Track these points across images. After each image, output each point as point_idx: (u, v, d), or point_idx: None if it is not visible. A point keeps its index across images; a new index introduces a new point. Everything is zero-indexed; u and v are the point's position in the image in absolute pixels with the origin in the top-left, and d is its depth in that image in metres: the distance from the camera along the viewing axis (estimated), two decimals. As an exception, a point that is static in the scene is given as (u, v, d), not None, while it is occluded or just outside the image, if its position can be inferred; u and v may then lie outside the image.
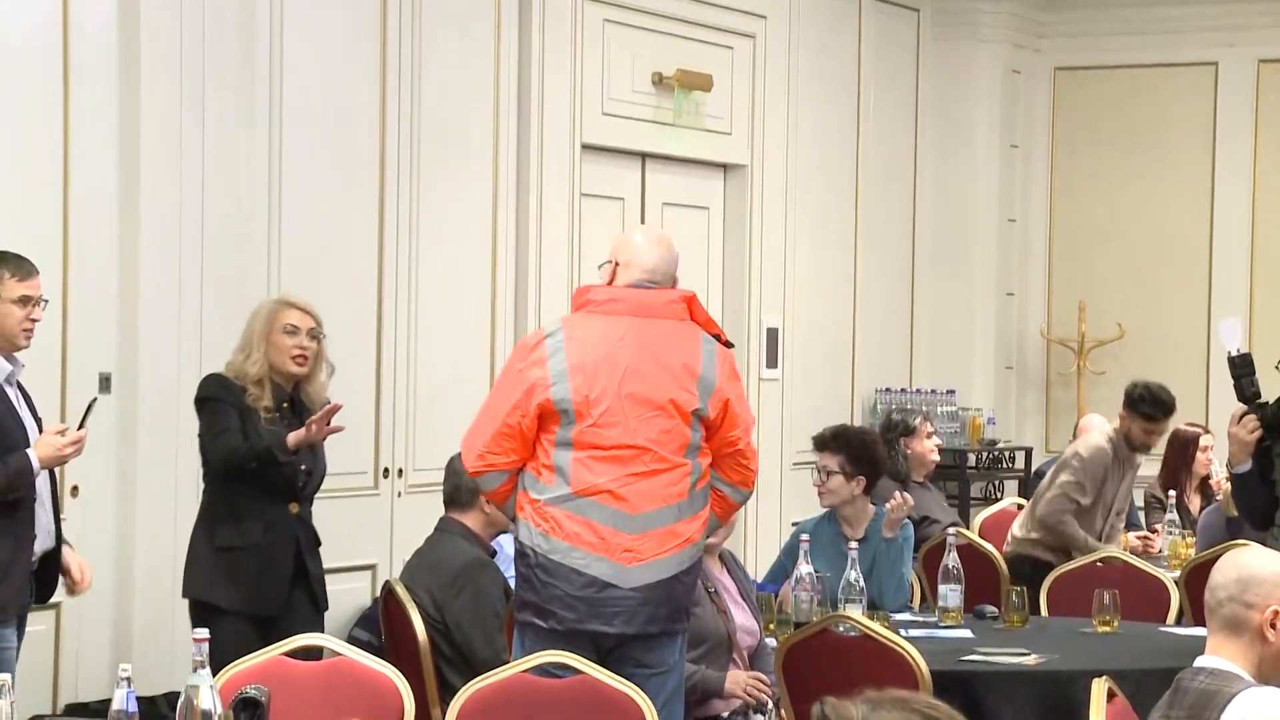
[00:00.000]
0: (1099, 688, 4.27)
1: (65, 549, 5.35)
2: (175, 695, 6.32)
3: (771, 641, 5.58)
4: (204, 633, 3.55)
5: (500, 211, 8.26)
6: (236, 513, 5.81)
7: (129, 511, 6.75)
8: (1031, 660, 5.36)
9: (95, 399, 5.46)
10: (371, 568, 7.53)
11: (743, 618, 5.57)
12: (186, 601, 5.94)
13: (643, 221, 9.26)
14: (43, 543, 5.25)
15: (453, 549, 5.83)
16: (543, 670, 4.43)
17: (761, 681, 5.35)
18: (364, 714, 4.01)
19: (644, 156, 9.25)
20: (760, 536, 9.51)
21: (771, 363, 9.79)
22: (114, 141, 6.71)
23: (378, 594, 5.70)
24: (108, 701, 4.24)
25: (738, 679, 5.35)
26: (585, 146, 8.71)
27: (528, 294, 8.30)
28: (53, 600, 5.60)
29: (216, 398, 5.85)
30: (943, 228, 11.21)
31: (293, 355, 5.88)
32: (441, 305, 7.91)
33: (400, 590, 5.62)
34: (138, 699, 3.63)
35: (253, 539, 5.79)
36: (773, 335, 9.88)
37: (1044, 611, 6.66)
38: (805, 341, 10.09)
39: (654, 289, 4.94)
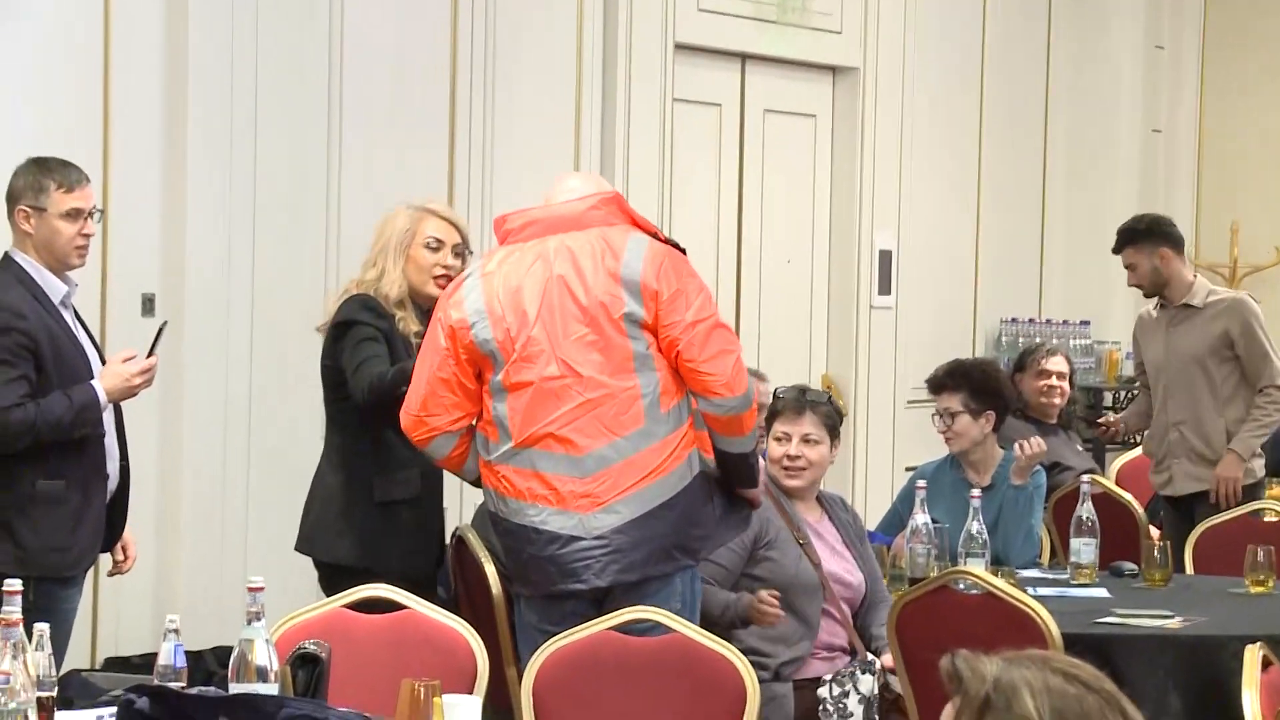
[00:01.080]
0: (1253, 655, 4.23)
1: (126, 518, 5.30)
2: (224, 650, 6.41)
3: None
4: (259, 580, 3.56)
5: (584, 120, 8.24)
6: (392, 461, 5.38)
7: (174, 447, 6.81)
8: (1175, 623, 5.32)
9: (165, 323, 5.30)
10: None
11: (840, 566, 5.55)
12: (226, 545, 5.94)
13: (741, 129, 9.23)
14: (112, 483, 5.20)
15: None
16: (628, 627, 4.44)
17: (770, 602, 5.26)
18: (433, 672, 4.03)
19: (744, 58, 9.20)
20: (870, 482, 9.49)
21: (884, 289, 9.73)
22: (160, 47, 6.74)
23: (449, 542, 5.71)
24: (150, 656, 4.30)
25: (743, 600, 5.28)
26: (679, 46, 8.67)
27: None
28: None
29: (360, 321, 5.37)
30: (1078, 139, 11.09)
31: (435, 275, 5.41)
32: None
33: (471, 537, 5.64)
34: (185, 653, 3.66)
35: (412, 491, 5.41)
36: (885, 258, 9.83)
37: (1189, 569, 6.62)
38: (922, 266, 10.03)
39: (570, 201, 4.89)
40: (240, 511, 6.98)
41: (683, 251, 4.89)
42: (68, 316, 5.13)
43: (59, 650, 4.96)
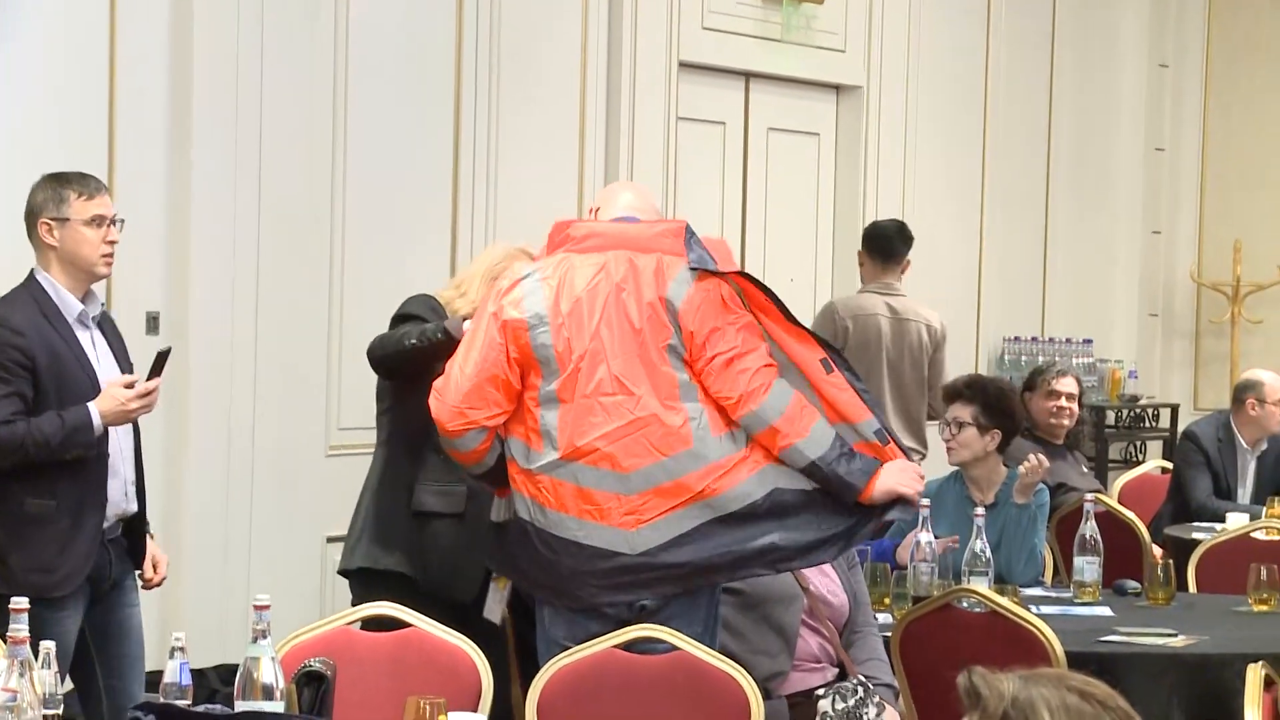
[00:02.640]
0: (1255, 674, 4.24)
1: (147, 539, 5.26)
2: (227, 668, 6.42)
3: (886, 617, 5.57)
4: (265, 598, 3.57)
5: (588, 137, 8.27)
6: (435, 469, 5.37)
7: (178, 464, 6.82)
8: (1179, 642, 5.33)
9: (169, 348, 5.20)
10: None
11: (824, 586, 5.52)
12: (230, 561, 5.92)
13: (745, 148, 9.25)
14: (118, 506, 5.13)
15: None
16: (632, 645, 4.45)
17: None
18: (437, 690, 4.04)
19: (748, 76, 9.22)
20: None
21: (887, 307, 9.75)
22: (165, 59, 6.77)
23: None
24: (155, 674, 4.31)
25: None
26: (683, 64, 8.69)
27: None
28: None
29: (420, 316, 5.40)
30: (1081, 158, 11.12)
31: None
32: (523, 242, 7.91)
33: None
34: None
35: (455, 506, 5.37)
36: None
37: (1192, 587, 6.63)
38: (926, 283, 10.03)
39: (638, 223, 4.91)
40: (244, 529, 6.99)
41: (763, 289, 4.85)
42: (84, 336, 5.09)
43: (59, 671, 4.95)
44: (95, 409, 4.96)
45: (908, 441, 7.78)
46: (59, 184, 5.09)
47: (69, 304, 5.07)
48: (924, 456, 8.00)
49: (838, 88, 9.68)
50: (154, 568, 5.30)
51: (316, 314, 7.20)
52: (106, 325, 5.21)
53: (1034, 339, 10.74)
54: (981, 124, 10.48)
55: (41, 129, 6.47)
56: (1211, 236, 11.56)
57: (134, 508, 5.18)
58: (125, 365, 5.20)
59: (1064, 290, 11.11)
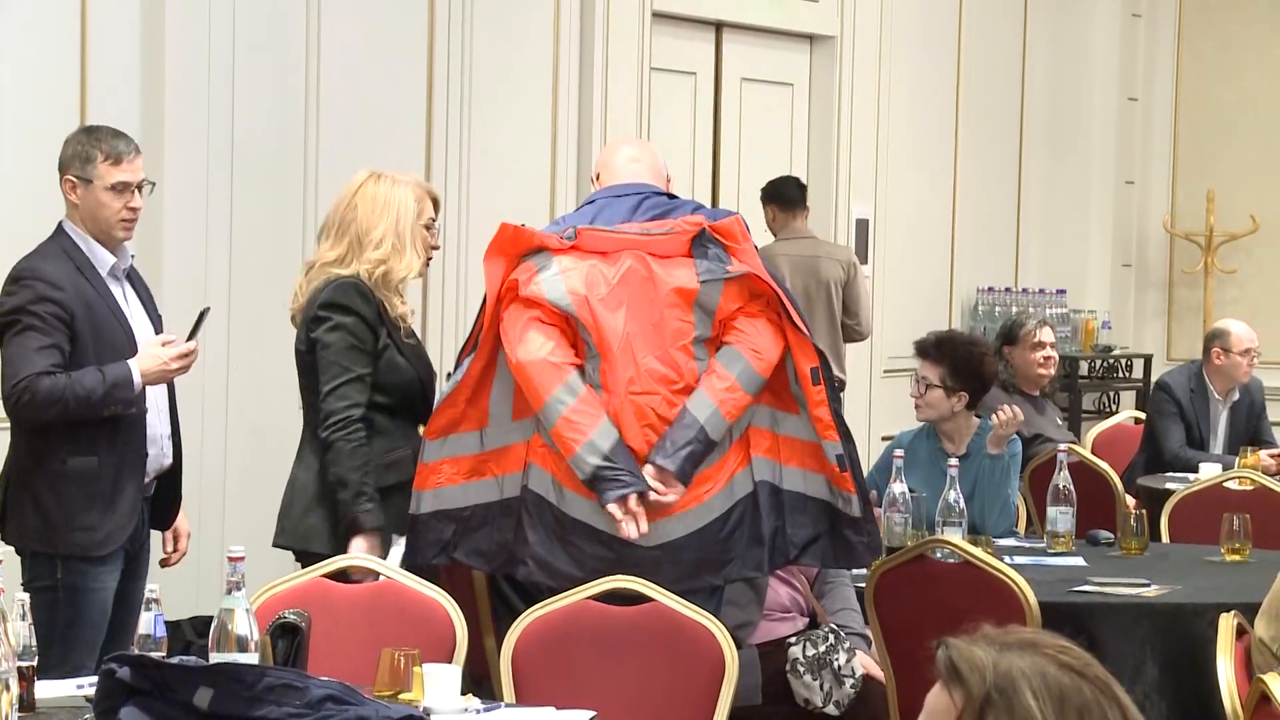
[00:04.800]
0: (1227, 622, 4.27)
1: (180, 500, 5.22)
2: (201, 619, 6.42)
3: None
4: (239, 550, 3.57)
5: (561, 88, 8.25)
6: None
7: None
8: (1152, 592, 5.36)
9: (208, 308, 5.15)
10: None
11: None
12: (203, 514, 5.87)
13: (717, 98, 9.24)
14: (157, 462, 5.11)
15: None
16: (607, 598, 4.46)
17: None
18: (412, 642, 4.06)
19: (719, 25, 9.21)
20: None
21: (861, 258, 9.76)
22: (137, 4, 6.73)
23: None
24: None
25: None
26: (656, 15, 8.67)
27: (590, 181, 8.30)
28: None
29: (348, 307, 5.08)
30: (1055, 107, 11.13)
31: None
32: (495, 193, 7.92)
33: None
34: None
35: (405, 475, 5.01)
36: (862, 227, 9.85)
37: (1165, 538, 6.66)
38: (899, 235, 10.06)
39: (650, 235, 4.82)
40: (218, 482, 6.99)
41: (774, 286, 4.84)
42: (117, 289, 5.06)
43: (94, 630, 4.94)
44: (136, 366, 4.92)
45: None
46: (89, 142, 5.04)
47: (100, 257, 5.03)
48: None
49: (811, 38, 9.67)
50: (174, 540, 5.27)
51: (291, 264, 7.18)
52: (135, 278, 5.18)
53: (1007, 290, 10.76)
54: (955, 74, 10.48)
55: (14, 78, 6.44)
56: (1185, 186, 11.58)
57: (169, 461, 5.15)
58: (155, 319, 5.17)
59: (1037, 241, 11.13)
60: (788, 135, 9.62)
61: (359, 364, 5.02)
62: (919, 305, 10.04)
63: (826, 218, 9.61)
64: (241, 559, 3.56)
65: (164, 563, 5.30)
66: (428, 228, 5.22)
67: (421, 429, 5.01)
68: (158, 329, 5.14)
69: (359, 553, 4.81)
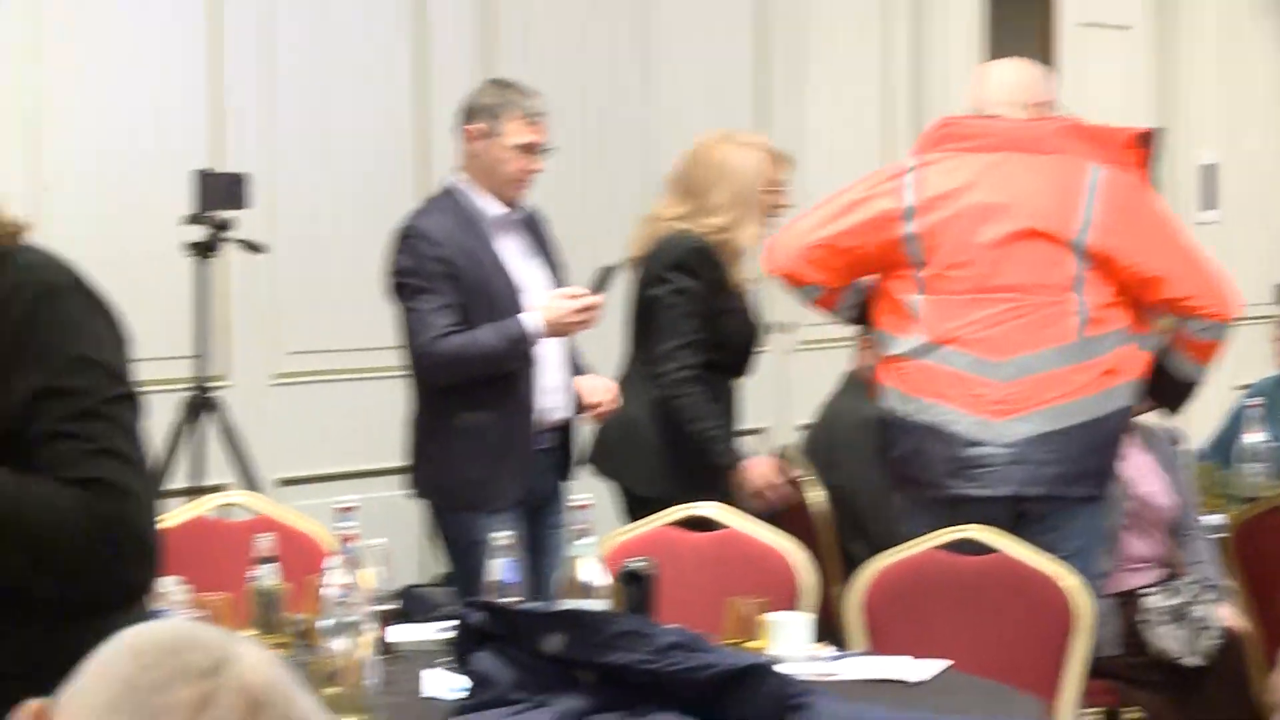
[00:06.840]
0: None
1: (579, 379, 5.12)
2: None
3: (1216, 518, 5.44)
4: (588, 497, 3.57)
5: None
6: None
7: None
8: None
9: (615, 265, 5.11)
10: (761, 431, 7.51)
11: (1151, 486, 5.41)
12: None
13: (1050, 43, 9.08)
14: (549, 415, 5.03)
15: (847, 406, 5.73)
16: (957, 546, 4.39)
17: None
18: (757, 590, 4.05)
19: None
20: (1197, 403, 9.26)
21: (1208, 204, 9.53)
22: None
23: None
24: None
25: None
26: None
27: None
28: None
29: (694, 270, 5.25)
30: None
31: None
32: (831, 140, 7.87)
33: (794, 456, 5.64)
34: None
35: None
36: (1208, 173, 9.63)
37: None
38: (1248, 178, 9.80)
39: (1030, 123, 4.81)
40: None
41: (1146, 147, 4.83)
42: (505, 244, 5.00)
43: (472, 583, 4.48)
44: (536, 319, 4.90)
45: None
46: (503, 95, 5.03)
47: (488, 208, 5.01)
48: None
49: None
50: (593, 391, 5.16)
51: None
52: (536, 225, 5.13)
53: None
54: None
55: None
56: None
57: (562, 414, 5.09)
58: (555, 267, 5.12)
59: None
60: (1125, 80, 9.40)
61: (696, 328, 5.18)
62: (1273, 250, 9.76)
63: (1169, 166, 9.37)
64: (590, 505, 3.59)
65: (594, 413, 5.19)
66: (772, 192, 5.29)
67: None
68: (559, 280, 5.09)
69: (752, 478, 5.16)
